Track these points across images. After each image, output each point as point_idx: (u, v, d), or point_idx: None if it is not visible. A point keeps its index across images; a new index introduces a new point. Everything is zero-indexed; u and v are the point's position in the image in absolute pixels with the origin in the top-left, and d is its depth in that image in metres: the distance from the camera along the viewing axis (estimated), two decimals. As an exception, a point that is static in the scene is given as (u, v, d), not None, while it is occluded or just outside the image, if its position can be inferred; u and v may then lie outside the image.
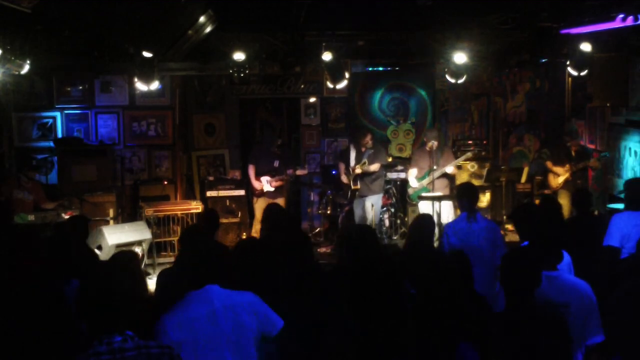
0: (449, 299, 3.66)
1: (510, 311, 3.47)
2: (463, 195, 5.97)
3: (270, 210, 6.17)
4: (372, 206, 9.22)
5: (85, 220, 6.26)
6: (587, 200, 6.25)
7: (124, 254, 4.66)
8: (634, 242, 5.12)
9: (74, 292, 3.94)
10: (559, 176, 9.03)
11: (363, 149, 9.23)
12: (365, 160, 9.18)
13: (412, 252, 5.17)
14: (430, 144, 8.67)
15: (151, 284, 8.12)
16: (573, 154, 9.09)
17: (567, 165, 8.93)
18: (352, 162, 9.30)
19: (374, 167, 9.14)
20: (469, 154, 9.14)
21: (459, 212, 6.66)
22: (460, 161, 9.12)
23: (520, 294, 3.43)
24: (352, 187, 9.26)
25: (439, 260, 4.44)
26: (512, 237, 9.53)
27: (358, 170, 9.16)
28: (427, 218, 5.79)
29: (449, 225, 5.90)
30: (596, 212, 8.36)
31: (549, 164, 9.26)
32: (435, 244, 6.32)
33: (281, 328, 3.48)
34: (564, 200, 8.69)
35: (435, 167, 8.71)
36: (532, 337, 3.29)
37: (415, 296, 3.95)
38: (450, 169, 8.74)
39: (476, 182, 10.14)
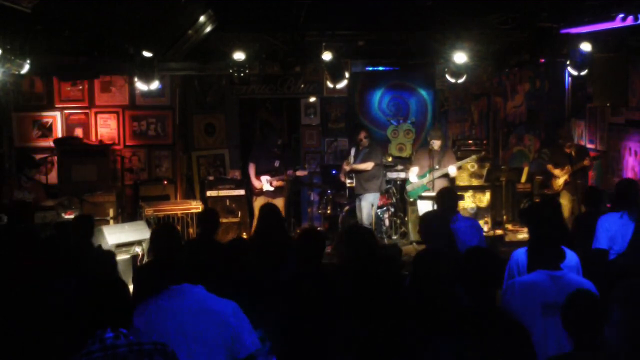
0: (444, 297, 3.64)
1: (468, 311, 3.42)
2: (441, 199, 6.01)
3: (263, 211, 6.20)
4: (372, 206, 9.22)
5: (89, 219, 6.23)
6: (598, 197, 6.23)
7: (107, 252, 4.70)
8: (622, 242, 5.14)
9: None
10: (559, 178, 9.05)
11: (360, 148, 9.25)
12: (351, 157, 9.22)
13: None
14: (433, 143, 8.70)
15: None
16: (573, 154, 9.09)
17: (566, 167, 8.94)
18: (352, 160, 9.33)
19: (364, 165, 9.11)
20: (474, 157, 9.10)
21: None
22: (464, 163, 9.11)
23: (477, 294, 3.36)
24: (347, 184, 9.32)
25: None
26: (512, 236, 9.56)
27: (346, 168, 9.21)
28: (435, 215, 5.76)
29: None
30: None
31: (549, 167, 9.28)
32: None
33: (251, 353, 3.28)
34: (565, 201, 8.70)
35: (436, 167, 8.72)
36: (487, 340, 3.24)
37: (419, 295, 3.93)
38: (453, 171, 8.73)
39: (476, 182, 10.18)
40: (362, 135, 9.21)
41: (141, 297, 3.93)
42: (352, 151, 9.42)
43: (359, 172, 9.18)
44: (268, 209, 6.22)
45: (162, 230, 5.43)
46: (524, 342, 3.25)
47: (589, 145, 9.91)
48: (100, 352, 2.67)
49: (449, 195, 6.02)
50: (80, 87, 10.25)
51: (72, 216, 8.03)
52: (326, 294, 3.92)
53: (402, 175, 9.86)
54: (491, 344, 3.18)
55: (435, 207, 8.14)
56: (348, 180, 9.47)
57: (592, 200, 6.22)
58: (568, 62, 8.10)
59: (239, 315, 3.31)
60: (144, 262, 8.01)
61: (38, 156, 9.95)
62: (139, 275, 4.78)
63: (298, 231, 10.53)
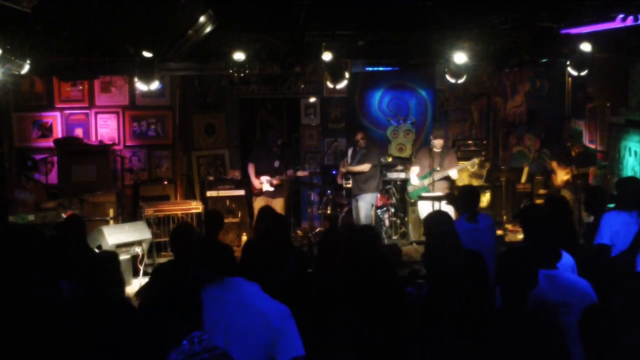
0: (459, 297, 3.63)
1: (505, 310, 3.46)
2: (464, 198, 5.97)
3: (263, 214, 6.20)
4: (372, 205, 9.22)
5: (80, 220, 6.23)
6: (603, 199, 5.92)
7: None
8: (625, 240, 5.12)
9: (73, 292, 3.95)
10: (561, 177, 9.05)
11: (357, 148, 9.25)
12: (346, 159, 9.25)
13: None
14: (435, 142, 8.71)
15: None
16: (573, 154, 9.09)
17: (569, 168, 8.93)
18: (349, 160, 9.34)
19: (360, 167, 9.10)
20: (475, 160, 9.10)
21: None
22: (465, 166, 9.11)
23: (515, 294, 3.42)
24: (344, 185, 9.35)
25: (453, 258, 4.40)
26: (512, 237, 9.56)
27: (342, 170, 9.24)
28: (443, 214, 5.75)
29: (457, 225, 5.86)
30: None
31: (553, 163, 9.27)
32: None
33: (291, 358, 3.20)
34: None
35: (438, 168, 8.72)
36: (523, 339, 3.27)
37: (426, 295, 3.92)
38: (454, 174, 8.72)
39: (476, 182, 10.17)
40: (359, 136, 9.19)
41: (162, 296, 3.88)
42: (350, 152, 9.43)
43: (356, 174, 9.18)
44: (268, 211, 6.22)
45: (183, 229, 5.34)
46: (557, 342, 3.28)
47: (589, 145, 9.90)
48: (206, 353, 2.62)
49: (468, 195, 5.99)
50: (80, 87, 10.26)
51: (72, 216, 8.04)
52: (327, 292, 3.92)
53: (402, 175, 9.87)
54: (523, 344, 3.21)
55: (436, 207, 8.21)
56: (345, 181, 9.49)
57: (595, 204, 5.99)
58: (568, 62, 8.10)
59: (287, 319, 3.26)
60: (143, 262, 8.03)
61: (38, 156, 9.96)
62: (159, 274, 4.74)
63: (298, 232, 10.55)
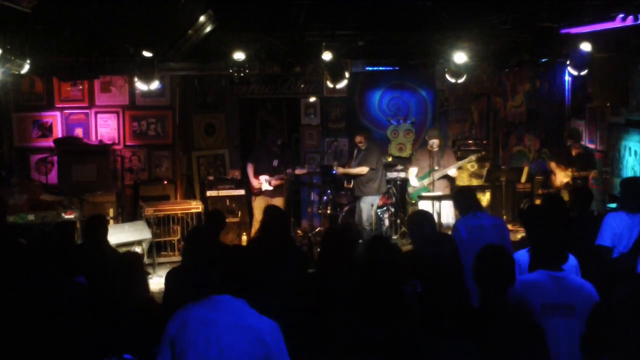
0: (449, 295, 3.64)
1: (483, 309, 3.47)
2: (464, 200, 5.98)
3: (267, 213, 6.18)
4: (372, 206, 9.22)
5: (105, 219, 6.17)
6: (587, 199, 6.19)
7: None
8: (627, 242, 5.12)
9: (75, 291, 3.96)
10: (560, 178, 9.04)
11: (361, 149, 9.26)
12: (335, 162, 9.28)
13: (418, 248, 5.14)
14: (431, 142, 8.71)
15: (151, 283, 8.15)
16: (573, 154, 9.08)
17: (569, 170, 8.92)
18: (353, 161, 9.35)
19: (357, 170, 9.09)
20: (472, 157, 9.11)
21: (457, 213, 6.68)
22: (463, 163, 9.12)
23: (492, 292, 3.42)
24: (345, 185, 9.35)
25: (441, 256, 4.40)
26: (512, 236, 9.52)
27: (334, 171, 9.31)
28: (424, 213, 5.78)
29: (460, 221, 5.89)
30: (596, 213, 8.36)
31: (552, 164, 9.26)
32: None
33: None
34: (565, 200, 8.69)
35: (436, 167, 8.73)
36: (501, 337, 3.28)
37: (422, 294, 3.93)
38: (452, 172, 8.74)
39: (476, 182, 10.18)
40: (358, 139, 9.19)
41: (174, 302, 3.85)
42: (355, 152, 9.43)
43: (355, 176, 9.18)
44: (274, 210, 6.21)
45: (194, 234, 5.33)
46: (536, 341, 3.27)
47: (589, 145, 9.90)
48: None
49: (463, 196, 6.01)
50: (80, 87, 10.26)
51: (72, 216, 8.03)
52: (327, 292, 3.92)
53: (402, 175, 9.87)
54: (502, 343, 3.20)
55: (436, 206, 8.21)
56: (347, 182, 9.50)
57: (581, 202, 6.14)
58: (568, 62, 8.09)
59: (277, 335, 3.22)
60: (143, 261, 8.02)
61: (38, 156, 9.98)
62: (173, 279, 4.73)
63: (298, 232, 10.55)
